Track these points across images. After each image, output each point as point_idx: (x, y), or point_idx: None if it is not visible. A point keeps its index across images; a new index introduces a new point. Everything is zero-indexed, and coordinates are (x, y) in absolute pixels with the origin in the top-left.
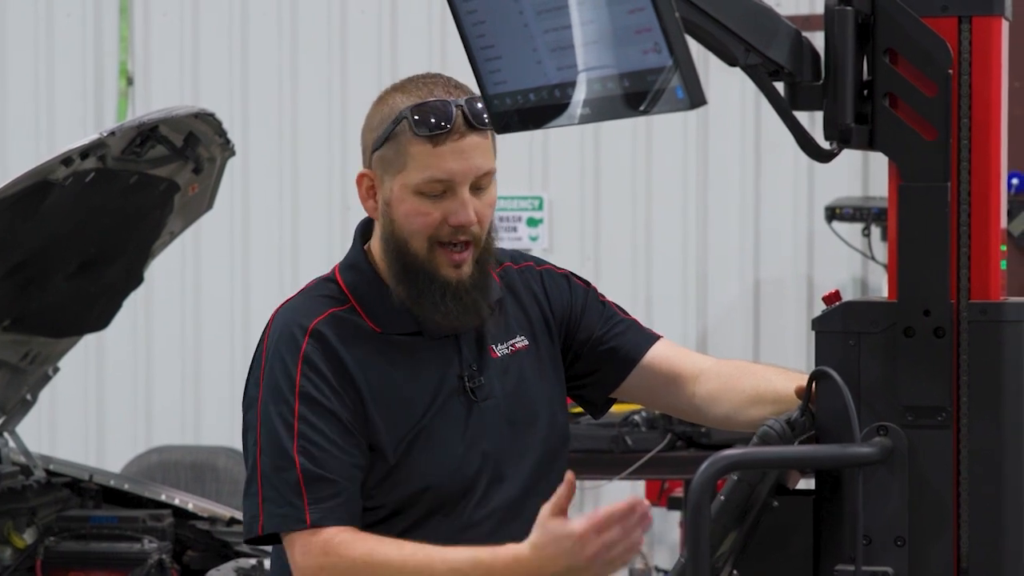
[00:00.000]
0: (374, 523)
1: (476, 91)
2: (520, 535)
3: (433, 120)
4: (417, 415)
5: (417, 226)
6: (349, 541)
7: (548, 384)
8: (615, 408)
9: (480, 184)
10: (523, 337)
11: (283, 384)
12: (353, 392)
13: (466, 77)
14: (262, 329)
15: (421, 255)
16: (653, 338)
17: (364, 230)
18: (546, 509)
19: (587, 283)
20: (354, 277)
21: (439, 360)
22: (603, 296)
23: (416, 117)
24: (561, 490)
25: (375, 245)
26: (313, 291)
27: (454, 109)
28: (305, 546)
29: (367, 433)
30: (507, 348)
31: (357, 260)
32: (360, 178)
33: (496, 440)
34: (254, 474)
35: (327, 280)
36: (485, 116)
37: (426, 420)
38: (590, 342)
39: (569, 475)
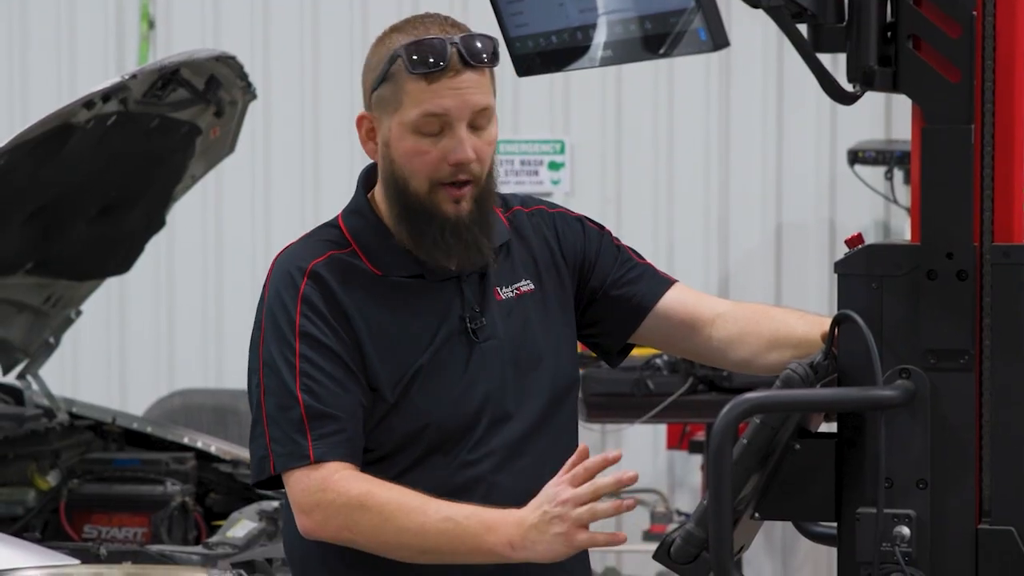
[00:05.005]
0: (373, 462)
1: (474, 29)
2: (522, 475)
3: (427, 57)
4: (417, 355)
5: (416, 166)
6: (348, 479)
7: (554, 328)
8: (637, 352)
9: (478, 123)
10: (528, 281)
11: (283, 325)
12: (351, 332)
13: (488, 19)
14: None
15: (421, 194)
16: (668, 282)
17: (367, 177)
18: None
19: (601, 227)
20: (357, 222)
21: (441, 302)
22: (618, 240)
23: (410, 55)
24: (571, 460)
25: (378, 191)
26: (315, 235)
27: (449, 47)
28: (305, 482)
29: (366, 373)
30: (512, 291)
31: (360, 206)
32: (360, 120)
33: (498, 380)
34: (259, 415)
35: (330, 225)
36: (484, 55)
37: (425, 359)
38: (604, 287)
39: (582, 446)
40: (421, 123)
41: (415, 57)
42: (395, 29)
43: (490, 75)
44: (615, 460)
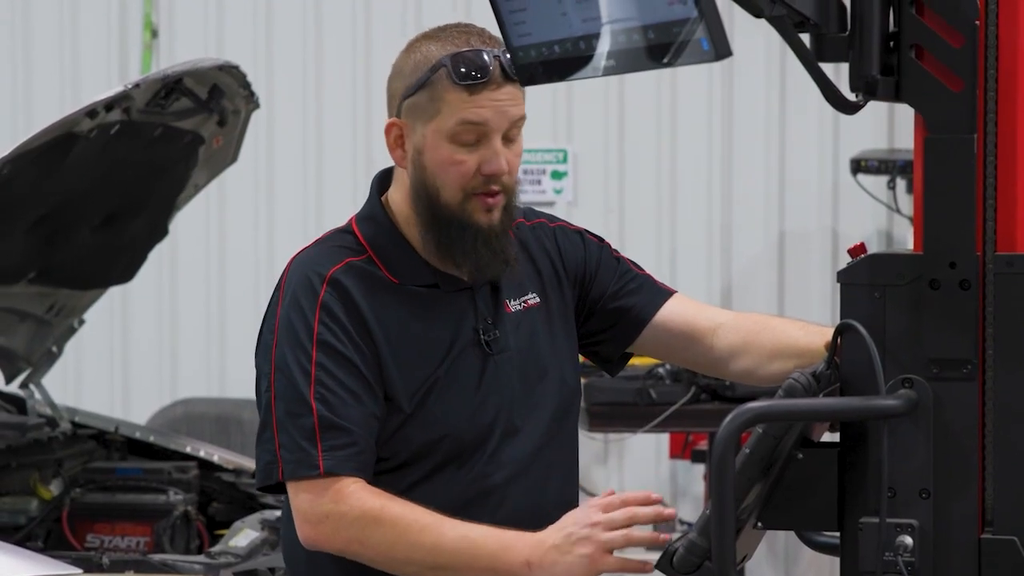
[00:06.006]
0: (386, 472)
1: None
2: (530, 488)
3: (472, 69)
4: (433, 365)
5: (451, 175)
6: (360, 492)
7: (558, 341)
8: (639, 361)
9: (511, 134)
10: (534, 294)
11: (300, 331)
12: (370, 341)
13: (490, 28)
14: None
15: (454, 204)
16: (667, 293)
17: (381, 182)
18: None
19: (600, 239)
20: (371, 228)
21: (455, 312)
22: (617, 252)
23: (455, 66)
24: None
25: (395, 196)
26: (330, 241)
27: (491, 59)
28: (314, 492)
29: (383, 383)
30: (520, 304)
31: (374, 212)
32: (389, 127)
33: (510, 394)
34: (268, 420)
35: (343, 231)
36: None
37: (441, 371)
38: (603, 299)
39: (609, 491)
40: (459, 132)
41: (462, 69)
42: (429, 38)
43: (523, 88)
44: (657, 502)
